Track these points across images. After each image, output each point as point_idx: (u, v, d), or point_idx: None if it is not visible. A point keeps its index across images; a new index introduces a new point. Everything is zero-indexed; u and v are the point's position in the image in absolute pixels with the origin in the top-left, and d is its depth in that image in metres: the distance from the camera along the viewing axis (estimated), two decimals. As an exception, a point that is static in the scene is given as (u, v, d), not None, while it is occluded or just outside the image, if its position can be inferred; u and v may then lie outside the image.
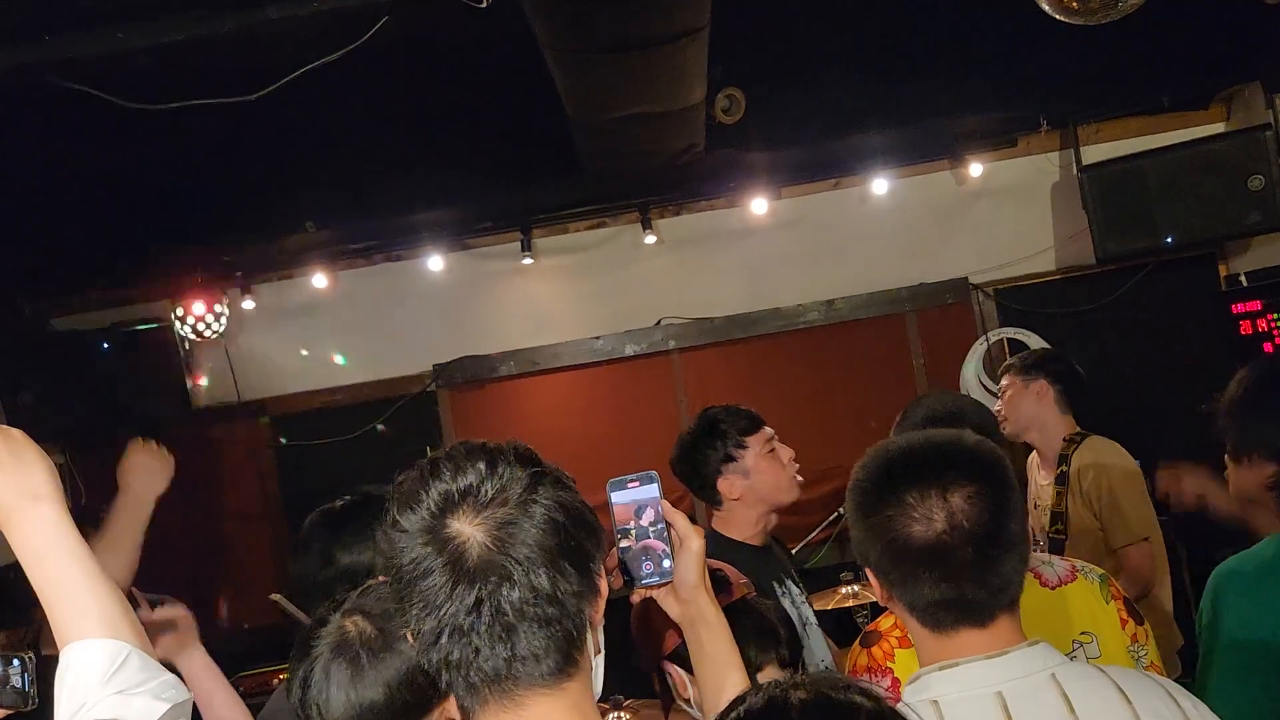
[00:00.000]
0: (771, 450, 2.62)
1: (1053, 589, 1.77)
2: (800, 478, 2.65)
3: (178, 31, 2.23)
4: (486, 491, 1.06)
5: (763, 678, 2.38)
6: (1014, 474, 1.36)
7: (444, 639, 1.04)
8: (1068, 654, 1.46)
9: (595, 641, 1.12)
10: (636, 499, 1.37)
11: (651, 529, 1.36)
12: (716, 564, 2.29)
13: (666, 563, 1.37)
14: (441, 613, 1.03)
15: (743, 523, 2.60)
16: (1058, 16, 2.50)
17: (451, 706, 1.53)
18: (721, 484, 2.57)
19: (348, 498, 1.96)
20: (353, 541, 1.88)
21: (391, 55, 3.25)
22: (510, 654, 1.03)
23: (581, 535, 1.08)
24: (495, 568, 1.03)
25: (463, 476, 1.07)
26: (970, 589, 1.28)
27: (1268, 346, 4.30)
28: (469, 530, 1.04)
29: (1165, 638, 2.97)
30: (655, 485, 1.33)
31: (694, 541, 1.39)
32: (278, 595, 3.23)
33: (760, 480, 2.58)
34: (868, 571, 1.37)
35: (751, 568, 2.39)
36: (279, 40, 2.61)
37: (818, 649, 2.55)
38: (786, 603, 2.51)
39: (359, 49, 2.61)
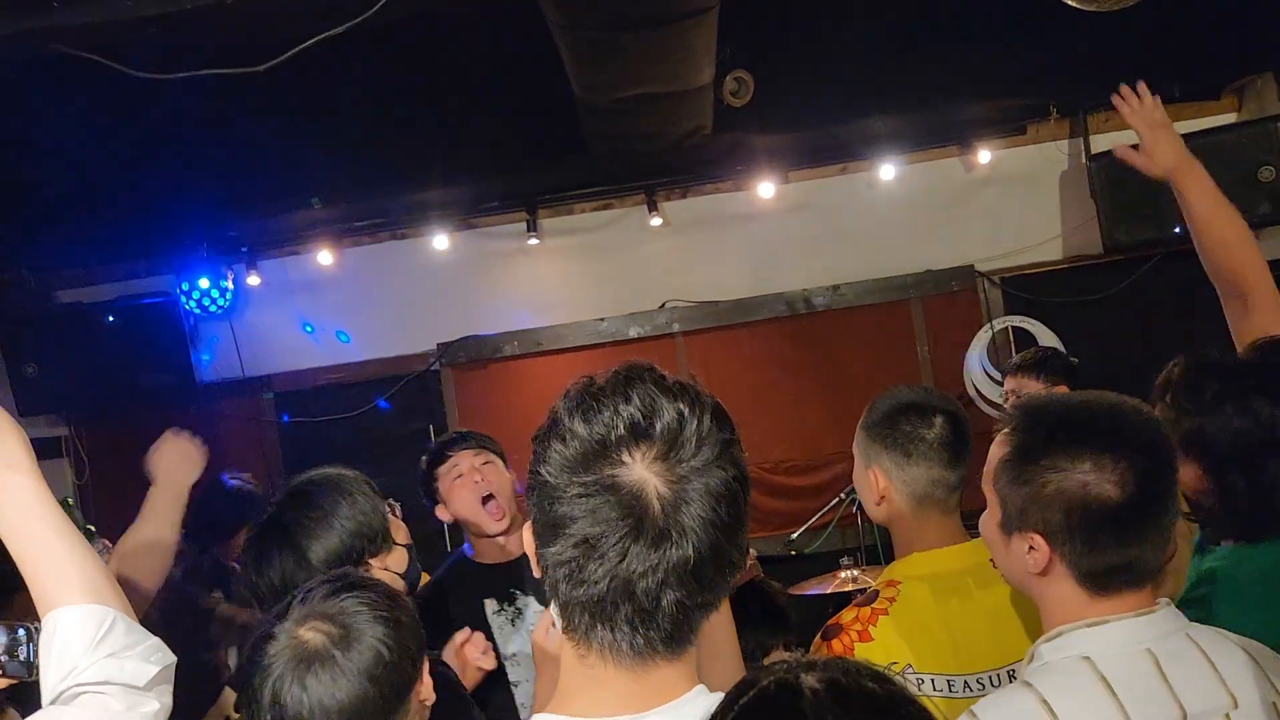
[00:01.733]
0: (459, 477, 2.66)
1: None
2: (496, 515, 2.63)
3: (186, 0, 2.22)
4: (681, 442, 0.98)
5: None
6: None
7: (600, 585, 0.96)
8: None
9: None
10: None
11: None
12: None
13: None
14: (609, 563, 0.96)
15: (476, 545, 2.71)
16: (1070, 3, 2.49)
17: (426, 688, 1.51)
18: (438, 512, 2.70)
19: (279, 499, 1.96)
20: (319, 531, 1.87)
21: (400, 33, 3.25)
22: (658, 620, 0.98)
23: (744, 511, 1.02)
24: (676, 528, 0.96)
25: (658, 416, 0.98)
26: (1149, 551, 1.31)
27: (1273, 339, 4.28)
28: (651, 479, 0.97)
29: None
30: None
31: None
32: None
33: (455, 508, 2.65)
34: (1032, 536, 1.33)
35: (470, 585, 2.59)
36: (287, 12, 2.59)
37: None
38: (502, 619, 2.59)
39: (368, 26, 2.60)
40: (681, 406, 0.99)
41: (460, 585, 2.62)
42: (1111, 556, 1.30)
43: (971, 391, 4.68)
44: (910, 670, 1.67)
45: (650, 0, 2.82)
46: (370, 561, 1.92)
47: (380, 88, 3.89)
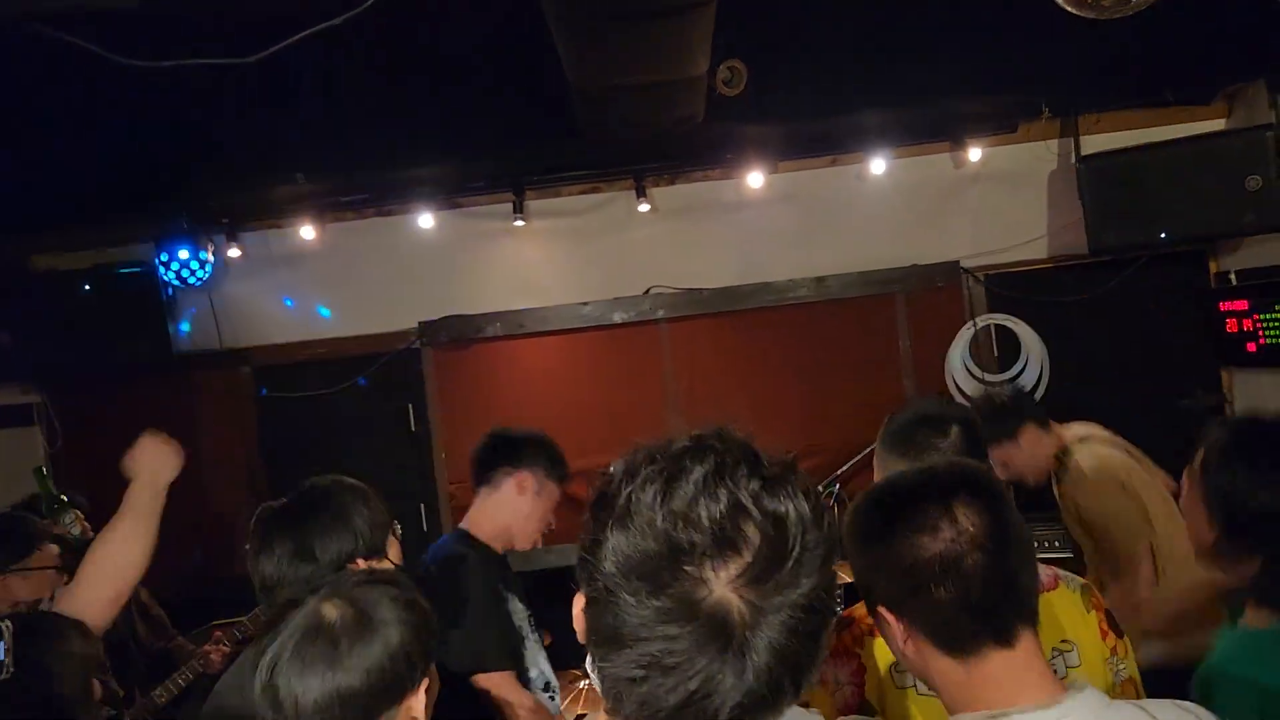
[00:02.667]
0: (554, 502, 2.86)
1: None
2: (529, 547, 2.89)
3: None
4: (775, 561, 0.86)
5: None
6: (1006, 489, 1.35)
7: (669, 706, 0.87)
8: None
9: None
10: None
11: None
12: None
13: None
14: (684, 690, 0.86)
15: (486, 531, 2.81)
16: (1068, 9, 2.47)
17: (417, 704, 1.50)
18: (516, 477, 2.79)
19: (293, 495, 1.99)
20: (329, 527, 1.87)
21: (392, 9, 3.19)
22: None
23: (828, 634, 0.94)
24: (754, 651, 0.86)
25: (752, 523, 0.86)
26: (985, 596, 1.25)
27: (1250, 346, 4.32)
28: (735, 602, 0.86)
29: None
30: None
31: None
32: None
33: (536, 513, 2.81)
34: (882, 612, 1.32)
35: (497, 569, 2.74)
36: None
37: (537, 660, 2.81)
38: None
39: (356, 2, 2.55)
40: (779, 509, 0.87)
41: (489, 564, 2.75)
42: (947, 606, 1.26)
43: (952, 388, 4.70)
44: None
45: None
46: (359, 561, 1.92)
47: (369, 64, 3.83)
